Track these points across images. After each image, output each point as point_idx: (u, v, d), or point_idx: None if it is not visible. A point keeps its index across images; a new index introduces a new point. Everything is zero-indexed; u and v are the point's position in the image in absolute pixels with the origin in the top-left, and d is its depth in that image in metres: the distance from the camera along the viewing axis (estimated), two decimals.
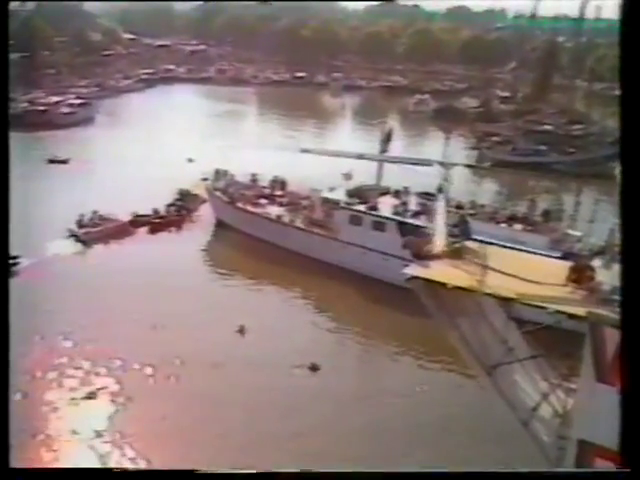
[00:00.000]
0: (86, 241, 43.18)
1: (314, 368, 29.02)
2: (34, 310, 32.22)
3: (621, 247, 9.89)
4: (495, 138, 76.40)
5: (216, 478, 7.37)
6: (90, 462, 22.52)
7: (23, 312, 30.73)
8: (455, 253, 18.11)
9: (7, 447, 7.81)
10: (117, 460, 22.83)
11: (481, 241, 23.69)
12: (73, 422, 24.92)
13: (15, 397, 25.18)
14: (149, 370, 28.44)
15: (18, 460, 20.87)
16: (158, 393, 26.74)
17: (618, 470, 9.25)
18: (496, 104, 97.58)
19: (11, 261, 36.37)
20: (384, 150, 40.77)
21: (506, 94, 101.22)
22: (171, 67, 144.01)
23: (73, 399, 26.31)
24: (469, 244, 19.44)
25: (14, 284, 31.33)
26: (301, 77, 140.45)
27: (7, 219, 8.80)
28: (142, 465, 22.27)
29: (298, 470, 7.48)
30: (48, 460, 22.75)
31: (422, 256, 17.94)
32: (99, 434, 24.24)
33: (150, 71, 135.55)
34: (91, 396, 26.42)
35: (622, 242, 9.78)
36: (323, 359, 29.53)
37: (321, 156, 45.03)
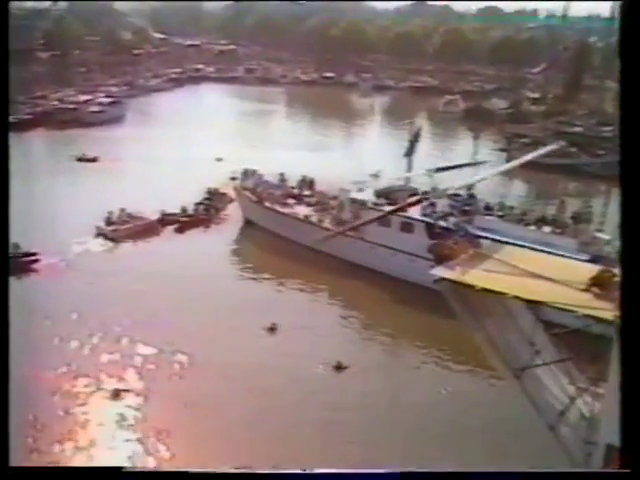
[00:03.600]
0: (114, 239, 43.54)
1: (339, 367, 29.05)
2: (60, 307, 32.63)
3: (621, 247, 9.85)
4: (524, 139, 75.87)
5: (217, 478, 7.42)
6: (113, 459, 22.74)
7: (47, 309, 31.32)
8: (479, 255, 18.04)
9: (7, 447, 7.91)
10: (139, 458, 23.00)
11: (511, 243, 23.66)
12: (99, 419, 25.16)
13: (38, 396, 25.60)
14: (178, 367, 28.59)
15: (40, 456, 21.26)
16: (186, 392, 26.80)
17: (618, 471, 9.21)
18: (526, 105, 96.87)
19: (30, 258, 36.90)
20: (412, 150, 40.60)
21: (536, 95, 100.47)
22: (200, 66, 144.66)
23: (97, 397, 26.52)
24: (495, 246, 19.39)
25: (34, 281, 31.87)
26: (330, 77, 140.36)
27: (7, 219, 8.90)
28: (167, 464, 22.38)
29: (299, 470, 7.52)
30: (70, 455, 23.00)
31: (446, 261, 17.85)
32: (122, 431, 24.49)
33: (179, 70, 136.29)
34: (116, 394, 26.55)
35: (622, 242, 9.74)
36: (349, 359, 29.53)
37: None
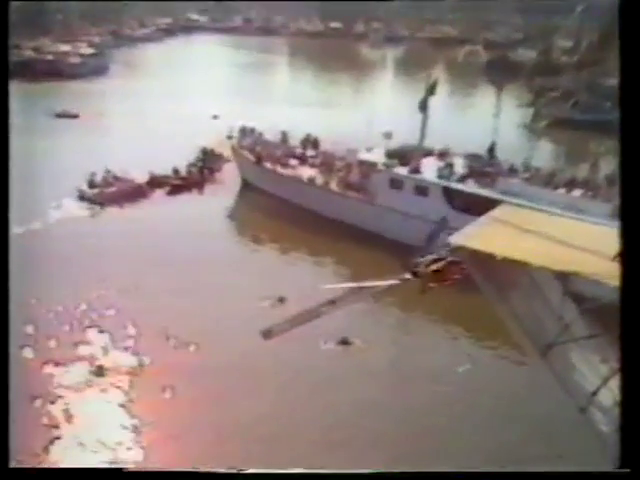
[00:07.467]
0: (98, 202, 43.41)
1: (345, 343, 28.95)
2: (42, 277, 32.51)
3: (621, 246, 9.74)
4: (554, 93, 75.11)
5: (217, 478, 7.41)
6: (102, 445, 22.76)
7: (29, 279, 31.17)
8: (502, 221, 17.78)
9: (7, 447, 8.00)
10: (131, 447, 22.97)
11: (538, 208, 23.46)
12: (83, 399, 25.14)
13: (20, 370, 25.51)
14: (172, 342, 28.38)
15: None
16: (181, 367, 26.68)
17: (618, 470, 9.33)
18: (557, 55, 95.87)
19: None
20: (425, 104, 40.01)
21: (568, 44, 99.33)
22: (194, 16, 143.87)
23: (82, 375, 26.45)
24: (520, 211, 19.15)
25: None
26: (337, 28, 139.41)
27: (7, 207, 8.84)
28: (167, 456, 22.33)
29: (301, 471, 7.54)
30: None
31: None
32: (110, 414, 24.46)
33: (170, 20, 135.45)
34: (102, 371, 26.46)
35: (622, 242, 9.65)
36: (357, 334, 29.42)
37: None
